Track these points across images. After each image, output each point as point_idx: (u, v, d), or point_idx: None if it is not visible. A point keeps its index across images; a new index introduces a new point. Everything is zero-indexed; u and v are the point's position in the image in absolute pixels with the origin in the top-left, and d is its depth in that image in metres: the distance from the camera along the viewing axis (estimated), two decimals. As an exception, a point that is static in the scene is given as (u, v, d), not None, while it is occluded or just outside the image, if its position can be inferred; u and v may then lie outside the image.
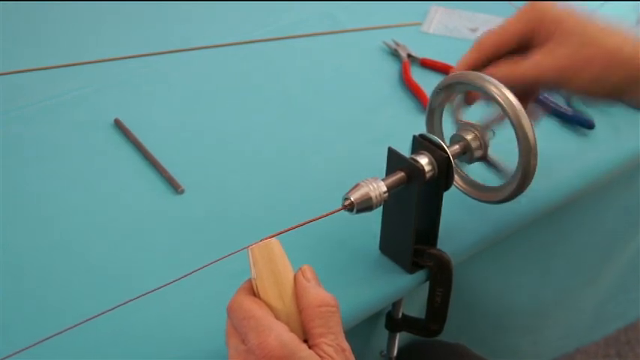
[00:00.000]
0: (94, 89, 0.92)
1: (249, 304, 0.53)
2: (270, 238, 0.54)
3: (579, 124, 0.87)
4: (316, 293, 0.54)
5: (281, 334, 0.51)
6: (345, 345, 0.53)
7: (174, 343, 0.64)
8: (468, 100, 0.69)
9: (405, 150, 0.65)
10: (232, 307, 0.53)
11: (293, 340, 0.51)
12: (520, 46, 0.67)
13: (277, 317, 0.53)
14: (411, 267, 0.69)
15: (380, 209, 0.66)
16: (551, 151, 0.79)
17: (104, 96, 0.91)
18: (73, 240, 0.73)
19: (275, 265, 0.54)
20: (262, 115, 0.90)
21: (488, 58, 0.67)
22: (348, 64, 0.98)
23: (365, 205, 0.61)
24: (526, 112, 0.63)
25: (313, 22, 1.04)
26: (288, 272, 0.54)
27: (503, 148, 0.67)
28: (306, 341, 0.53)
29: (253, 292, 0.54)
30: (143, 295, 0.56)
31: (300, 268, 0.55)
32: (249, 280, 0.55)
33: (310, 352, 0.52)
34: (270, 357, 0.50)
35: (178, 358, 0.63)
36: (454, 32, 1.03)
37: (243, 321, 0.52)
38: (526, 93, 0.67)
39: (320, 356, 0.52)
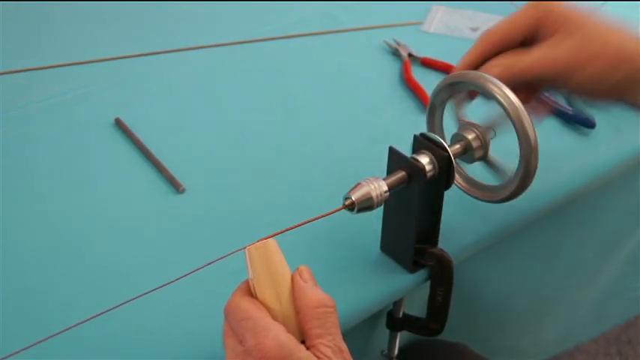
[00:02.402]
0: (95, 89, 0.92)
1: (247, 305, 0.53)
2: (268, 238, 0.54)
3: (580, 123, 0.87)
4: (313, 294, 0.54)
5: (278, 335, 0.51)
6: (343, 346, 0.53)
7: (173, 342, 0.64)
8: (470, 94, 0.69)
9: (405, 149, 0.65)
10: (229, 308, 0.53)
11: (290, 341, 0.51)
12: (525, 41, 0.67)
13: (274, 318, 0.53)
14: (412, 266, 0.69)
15: (381, 209, 0.66)
16: (552, 150, 0.80)
17: (105, 95, 0.91)
18: (73, 239, 0.73)
19: (272, 265, 0.54)
20: (263, 114, 0.90)
21: (494, 53, 0.67)
22: (349, 64, 0.98)
23: (366, 205, 0.61)
24: (530, 110, 0.63)
25: (314, 21, 1.04)
26: (285, 273, 0.54)
27: (504, 147, 0.67)
28: (303, 342, 0.53)
29: (250, 293, 0.54)
30: (142, 295, 0.56)
31: (297, 269, 0.55)
32: (247, 281, 0.54)
33: (308, 353, 0.51)
34: (268, 358, 0.50)
35: (177, 358, 0.63)
36: (455, 32, 1.03)
37: (240, 322, 0.52)
38: (528, 89, 0.67)
39: (317, 357, 0.51)
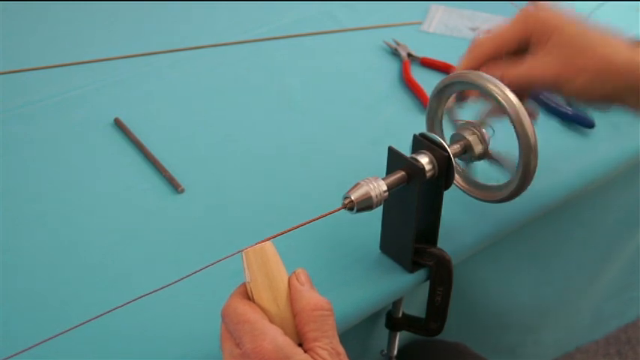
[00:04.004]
0: (94, 88, 0.92)
1: (244, 308, 0.53)
2: (265, 241, 0.54)
3: (579, 123, 0.87)
4: (310, 297, 0.54)
5: (275, 338, 0.51)
6: (340, 348, 0.53)
7: (172, 343, 0.64)
8: (462, 98, 0.70)
9: (405, 149, 0.65)
10: (226, 311, 0.53)
11: (288, 344, 0.51)
12: (518, 48, 0.68)
13: (272, 321, 0.53)
14: (412, 266, 0.69)
15: (380, 209, 0.66)
16: (552, 150, 0.80)
17: (104, 95, 0.91)
18: (72, 239, 0.73)
19: (269, 268, 0.54)
20: (262, 114, 0.90)
21: (486, 60, 0.68)
22: (349, 64, 0.98)
23: (365, 205, 0.61)
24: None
25: (313, 21, 1.04)
26: (282, 276, 0.54)
27: (504, 147, 0.67)
28: (300, 345, 0.53)
29: (247, 296, 0.54)
30: (142, 297, 0.56)
31: (294, 272, 0.55)
32: (244, 284, 0.54)
33: (305, 355, 0.51)
34: None
35: (176, 359, 0.63)
36: (454, 31, 1.03)
37: (237, 325, 0.52)
38: (522, 93, 0.68)
39: None
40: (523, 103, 0.64)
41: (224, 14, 1.06)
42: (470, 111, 0.70)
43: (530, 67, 0.66)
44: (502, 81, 0.64)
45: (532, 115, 0.66)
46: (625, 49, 0.65)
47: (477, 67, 0.68)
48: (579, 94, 0.66)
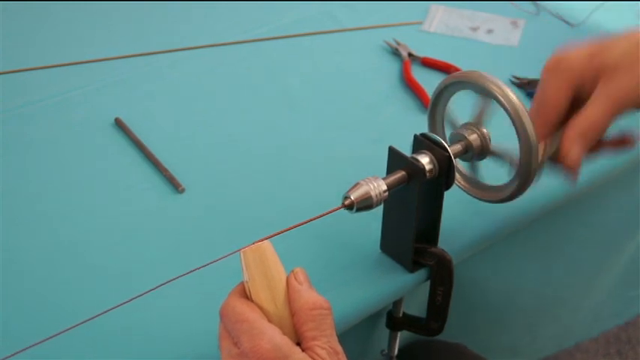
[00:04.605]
0: (95, 88, 0.92)
1: (242, 307, 0.53)
2: (264, 240, 0.54)
3: (580, 123, 0.87)
4: (308, 296, 0.54)
5: (274, 337, 0.51)
6: (338, 347, 0.53)
7: (171, 343, 0.64)
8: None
9: (406, 149, 0.65)
10: (225, 310, 0.53)
11: (286, 343, 0.51)
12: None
13: (270, 320, 0.53)
14: (412, 266, 0.69)
15: (380, 209, 0.66)
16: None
17: (105, 95, 0.91)
18: (73, 239, 0.73)
19: (267, 267, 0.54)
20: (263, 114, 0.90)
21: (557, 127, 0.66)
22: (349, 63, 0.98)
23: (365, 204, 0.61)
24: (624, 141, 0.63)
25: (314, 21, 1.04)
26: (280, 275, 0.54)
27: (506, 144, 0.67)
28: (299, 344, 0.53)
29: (246, 295, 0.54)
30: (141, 295, 0.56)
31: (292, 271, 0.55)
32: (242, 283, 0.54)
33: (304, 355, 0.51)
34: None
35: (175, 358, 0.63)
36: (455, 31, 1.03)
37: (235, 324, 0.52)
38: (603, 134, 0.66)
39: (313, 359, 0.51)
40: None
41: (224, 14, 1.06)
42: (469, 111, 0.69)
43: (608, 96, 0.63)
44: (595, 130, 0.63)
45: (629, 142, 0.66)
46: None
47: (553, 132, 0.66)
48: None
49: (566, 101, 0.65)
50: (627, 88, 0.63)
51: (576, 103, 0.65)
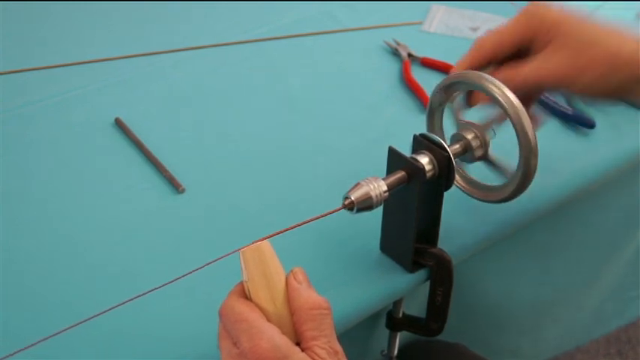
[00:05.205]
0: (95, 88, 0.92)
1: (241, 307, 0.53)
2: (263, 240, 0.54)
3: (580, 123, 0.87)
4: (308, 296, 0.54)
5: (273, 337, 0.51)
6: (338, 347, 0.53)
7: (170, 343, 0.64)
8: (470, 102, 0.69)
9: (405, 149, 0.65)
10: (224, 310, 0.53)
11: (285, 343, 0.51)
12: (520, 49, 0.67)
13: (269, 320, 0.53)
14: (412, 266, 0.69)
15: (380, 209, 0.66)
16: (552, 150, 0.80)
17: (105, 95, 0.91)
18: (73, 239, 0.73)
19: (266, 267, 0.54)
20: (263, 114, 0.90)
21: (487, 60, 0.67)
22: (349, 64, 0.98)
23: (365, 205, 0.61)
24: (529, 116, 0.63)
25: (314, 21, 1.04)
26: (279, 275, 0.54)
27: (504, 147, 0.67)
28: (298, 344, 0.53)
29: (245, 295, 0.54)
30: (141, 295, 0.56)
31: (292, 271, 0.55)
32: (241, 283, 0.54)
33: (303, 354, 0.51)
34: None
35: (175, 358, 0.63)
36: (455, 31, 1.03)
37: (235, 324, 0.52)
38: (528, 96, 0.67)
39: (313, 359, 0.52)
40: (529, 108, 0.63)
41: (224, 14, 1.06)
42: (474, 112, 0.69)
43: (538, 67, 0.65)
44: (508, 85, 0.63)
45: (535, 120, 0.66)
46: (631, 42, 0.64)
47: (477, 67, 0.67)
48: (587, 91, 0.65)
49: (512, 44, 0.66)
50: (562, 64, 0.64)
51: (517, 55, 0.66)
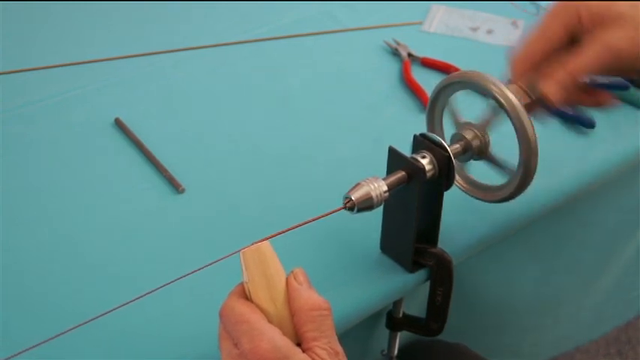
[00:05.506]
0: (95, 88, 0.92)
1: (241, 307, 0.53)
2: (263, 240, 0.54)
3: (580, 123, 0.86)
4: (308, 296, 0.53)
5: (274, 338, 0.51)
6: (339, 348, 0.53)
7: (170, 343, 0.64)
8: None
9: (405, 149, 0.65)
10: (224, 311, 0.53)
11: (286, 344, 0.51)
12: (567, 41, 0.66)
13: (269, 321, 0.53)
14: (412, 266, 0.69)
15: (380, 209, 0.66)
16: (552, 150, 0.79)
17: (104, 95, 0.91)
18: (73, 239, 0.73)
19: (267, 268, 0.54)
20: (263, 114, 0.90)
21: (539, 60, 0.66)
22: (349, 64, 0.98)
23: (366, 205, 0.61)
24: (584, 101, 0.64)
25: (314, 21, 1.04)
26: (280, 275, 0.54)
27: (505, 147, 0.67)
28: (299, 345, 0.53)
29: (245, 296, 0.54)
30: (142, 296, 0.56)
31: (292, 271, 0.55)
32: (241, 284, 0.54)
33: (304, 355, 0.51)
34: None
35: (175, 359, 0.63)
36: (455, 31, 1.03)
37: (235, 325, 0.52)
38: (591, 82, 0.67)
39: None
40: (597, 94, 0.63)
41: (224, 14, 1.06)
42: (474, 112, 0.69)
43: (601, 50, 0.63)
44: (570, 75, 0.62)
45: (605, 101, 0.66)
46: None
47: (532, 69, 0.66)
48: None
49: (558, 41, 0.65)
50: (626, 39, 0.63)
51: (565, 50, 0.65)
